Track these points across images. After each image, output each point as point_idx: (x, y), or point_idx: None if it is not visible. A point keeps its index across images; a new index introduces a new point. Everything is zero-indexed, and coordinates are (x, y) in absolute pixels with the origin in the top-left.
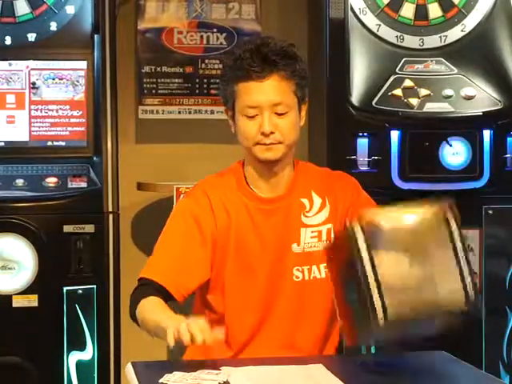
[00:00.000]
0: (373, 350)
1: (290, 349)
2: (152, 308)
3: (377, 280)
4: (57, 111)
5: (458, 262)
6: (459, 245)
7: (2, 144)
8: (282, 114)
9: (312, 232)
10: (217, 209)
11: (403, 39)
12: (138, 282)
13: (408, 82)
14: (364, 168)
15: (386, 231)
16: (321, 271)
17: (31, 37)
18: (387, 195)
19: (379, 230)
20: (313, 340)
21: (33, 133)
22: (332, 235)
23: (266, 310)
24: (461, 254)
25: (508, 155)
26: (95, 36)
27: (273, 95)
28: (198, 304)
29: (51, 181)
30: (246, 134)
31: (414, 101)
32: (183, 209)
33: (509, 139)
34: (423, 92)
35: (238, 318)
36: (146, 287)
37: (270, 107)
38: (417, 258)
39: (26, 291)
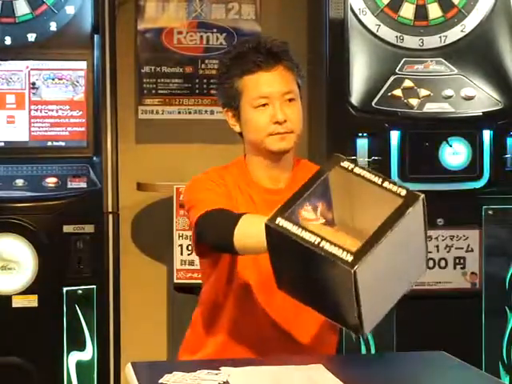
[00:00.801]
0: (373, 351)
1: (290, 338)
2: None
3: (324, 238)
4: (57, 111)
5: (381, 186)
6: (370, 176)
7: (2, 144)
8: (290, 101)
9: None
10: (231, 189)
11: (403, 39)
12: (195, 223)
13: (408, 83)
14: None
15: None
16: None
17: (31, 37)
18: None
19: (297, 213)
20: (314, 330)
21: (33, 133)
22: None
23: (267, 297)
24: (378, 180)
25: (508, 155)
26: (95, 36)
27: (282, 84)
28: (205, 293)
29: (51, 181)
30: (257, 126)
31: (413, 101)
32: (201, 179)
33: (509, 139)
34: (423, 92)
35: (240, 307)
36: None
37: (281, 96)
38: (341, 211)
39: (26, 291)
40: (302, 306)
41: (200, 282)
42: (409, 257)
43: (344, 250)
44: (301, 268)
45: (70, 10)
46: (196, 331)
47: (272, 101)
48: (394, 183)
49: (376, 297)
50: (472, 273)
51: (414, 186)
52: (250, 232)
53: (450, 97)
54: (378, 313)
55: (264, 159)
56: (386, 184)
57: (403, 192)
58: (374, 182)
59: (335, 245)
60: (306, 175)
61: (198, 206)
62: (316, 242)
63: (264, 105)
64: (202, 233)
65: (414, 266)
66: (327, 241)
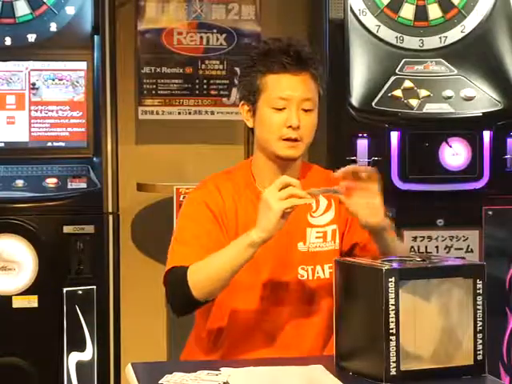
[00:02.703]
0: None
1: (292, 346)
2: (210, 256)
3: (397, 331)
4: (57, 112)
5: (475, 328)
6: (480, 311)
7: (2, 145)
8: (307, 111)
9: (317, 232)
10: (227, 200)
11: (403, 40)
12: (166, 273)
13: (408, 83)
14: None
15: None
16: (324, 271)
17: (31, 37)
18: (387, 196)
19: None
20: (315, 338)
21: (33, 133)
22: (337, 237)
23: (270, 305)
24: (480, 323)
25: (508, 156)
26: (95, 37)
27: (304, 91)
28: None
29: (51, 181)
30: (271, 127)
31: (413, 101)
32: (195, 199)
33: (508, 140)
34: (423, 93)
35: (242, 315)
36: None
37: (300, 102)
38: (441, 312)
39: (26, 292)
40: (304, 306)
41: None
42: None
43: (398, 363)
44: (362, 298)
45: (70, 10)
46: (196, 342)
47: (290, 105)
48: (485, 339)
49: None
50: None
51: (414, 187)
52: (202, 272)
53: (450, 97)
54: None
55: (273, 162)
56: (479, 334)
57: (480, 354)
58: (476, 318)
59: (397, 347)
60: (313, 180)
61: (173, 252)
62: (390, 325)
63: (282, 109)
64: (168, 299)
65: None
66: (398, 334)
